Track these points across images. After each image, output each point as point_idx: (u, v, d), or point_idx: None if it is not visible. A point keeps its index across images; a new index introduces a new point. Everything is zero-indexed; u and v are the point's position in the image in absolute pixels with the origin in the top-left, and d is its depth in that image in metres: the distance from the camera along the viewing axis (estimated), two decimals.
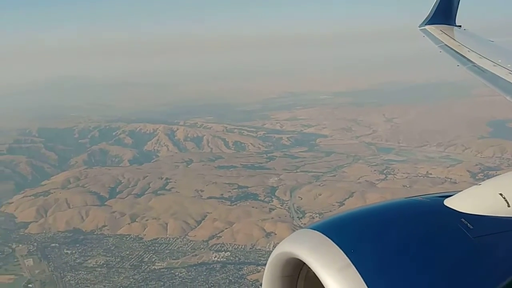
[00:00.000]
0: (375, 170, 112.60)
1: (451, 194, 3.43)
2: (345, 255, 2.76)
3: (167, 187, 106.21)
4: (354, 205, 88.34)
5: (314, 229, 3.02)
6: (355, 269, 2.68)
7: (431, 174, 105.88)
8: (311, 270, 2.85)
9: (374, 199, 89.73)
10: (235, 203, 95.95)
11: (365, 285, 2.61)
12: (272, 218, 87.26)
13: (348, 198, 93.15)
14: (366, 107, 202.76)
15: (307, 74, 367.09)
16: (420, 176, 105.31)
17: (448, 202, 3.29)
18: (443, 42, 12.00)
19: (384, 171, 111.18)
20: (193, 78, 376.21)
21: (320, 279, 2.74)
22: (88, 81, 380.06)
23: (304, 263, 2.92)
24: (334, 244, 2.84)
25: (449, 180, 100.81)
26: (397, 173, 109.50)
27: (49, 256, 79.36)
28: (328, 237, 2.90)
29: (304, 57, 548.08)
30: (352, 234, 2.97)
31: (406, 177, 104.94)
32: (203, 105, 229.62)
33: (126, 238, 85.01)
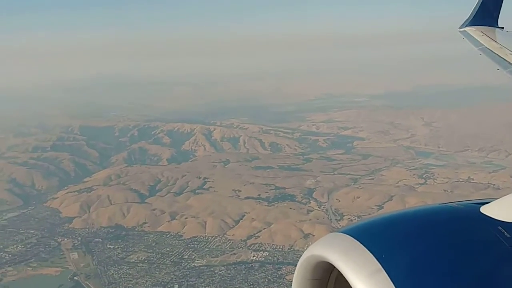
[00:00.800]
0: (414, 174, 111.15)
1: (487, 201, 3.35)
2: (376, 260, 2.73)
3: (205, 186, 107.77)
4: (393, 209, 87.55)
5: (345, 233, 3.01)
6: (386, 274, 2.65)
7: (473, 179, 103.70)
8: (341, 274, 2.84)
9: (414, 203, 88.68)
10: (272, 203, 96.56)
11: None
12: (310, 219, 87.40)
13: (387, 201, 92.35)
14: (404, 110, 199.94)
15: (344, 75, 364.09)
16: (461, 181, 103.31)
17: (484, 210, 3.21)
18: (484, 45, 11.56)
19: (424, 176, 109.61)
20: (229, 78, 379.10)
21: (350, 284, 2.72)
22: (128, 80, 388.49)
23: (334, 267, 2.91)
24: (365, 249, 2.81)
25: (492, 186, 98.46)
26: (437, 177, 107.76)
27: (93, 250, 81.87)
28: (359, 241, 2.88)
29: (340, 58, 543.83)
30: (384, 239, 2.95)
31: (447, 182, 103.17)
32: (239, 106, 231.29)
33: (166, 235, 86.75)
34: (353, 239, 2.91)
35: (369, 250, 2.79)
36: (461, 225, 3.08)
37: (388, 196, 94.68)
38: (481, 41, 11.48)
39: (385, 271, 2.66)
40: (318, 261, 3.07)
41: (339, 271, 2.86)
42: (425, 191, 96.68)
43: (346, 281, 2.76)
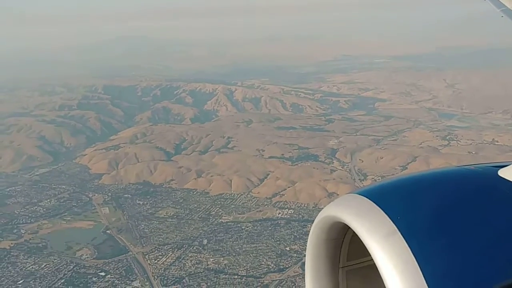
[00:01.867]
0: (437, 136, 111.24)
1: (506, 165, 3.31)
2: (391, 222, 2.74)
3: (229, 146, 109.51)
4: (417, 169, 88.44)
5: (361, 194, 3.02)
6: (401, 235, 2.66)
7: (497, 141, 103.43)
8: (356, 234, 2.86)
9: (438, 164, 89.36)
10: (296, 163, 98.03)
11: (410, 252, 2.59)
12: (334, 179, 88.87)
13: (411, 162, 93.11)
14: (425, 71, 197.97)
15: (362, 37, 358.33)
16: (486, 143, 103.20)
17: (502, 173, 3.18)
18: (506, 6, 10.91)
19: (447, 137, 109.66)
20: (245, 40, 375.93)
21: (365, 244, 2.75)
22: (145, 41, 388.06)
23: (349, 228, 2.94)
24: (381, 210, 2.83)
25: None
26: (460, 139, 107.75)
27: (123, 205, 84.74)
28: (375, 203, 2.89)
29: (358, 19, 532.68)
30: (399, 201, 2.95)
31: (471, 144, 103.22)
32: (257, 67, 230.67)
33: (193, 192, 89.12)
34: (369, 200, 2.94)
35: (384, 212, 2.81)
36: (478, 188, 3.08)
37: (411, 157, 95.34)
38: (503, 2, 10.90)
39: (400, 232, 2.67)
40: (333, 221, 3.11)
41: (354, 231, 2.89)
42: (449, 153, 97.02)
43: (361, 242, 2.80)
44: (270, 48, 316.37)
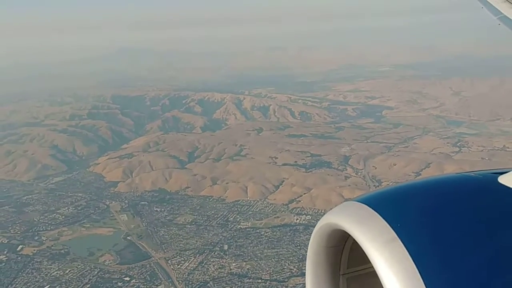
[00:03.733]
0: (447, 143, 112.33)
1: (506, 171, 3.30)
2: (391, 229, 2.73)
3: (242, 153, 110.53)
4: (430, 176, 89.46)
5: (360, 202, 3.02)
6: (401, 242, 2.65)
7: (508, 147, 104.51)
8: (356, 242, 2.86)
9: (452, 170, 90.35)
10: (310, 170, 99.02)
11: (410, 259, 2.58)
12: (349, 185, 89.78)
13: (425, 168, 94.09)
14: (431, 79, 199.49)
15: (364, 46, 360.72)
16: (497, 149, 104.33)
17: (502, 179, 3.16)
18: (503, 13, 10.48)
19: (458, 144, 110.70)
20: (249, 50, 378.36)
21: (365, 252, 2.74)
22: (147, 52, 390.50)
23: (349, 235, 2.93)
24: (380, 217, 2.82)
25: None
26: (471, 146, 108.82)
27: (140, 212, 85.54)
28: (374, 210, 2.89)
29: (359, 29, 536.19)
30: (399, 208, 2.95)
31: (482, 150, 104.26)
32: (263, 75, 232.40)
33: (209, 199, 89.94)
34: (368, 207, 2.93)
35: (384, 219, 2.81)
36: (478, 195, 3.08)
37: (425, 163, 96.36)
38: (500, 9, 10.46)
39: (400, 239, 2.67)
40: (333, 228, 3.11)
41: (354, 239, 2.90)
42: (462, 159, 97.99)
43: (361, 249, 2.79)
44: (273, 57, 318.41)
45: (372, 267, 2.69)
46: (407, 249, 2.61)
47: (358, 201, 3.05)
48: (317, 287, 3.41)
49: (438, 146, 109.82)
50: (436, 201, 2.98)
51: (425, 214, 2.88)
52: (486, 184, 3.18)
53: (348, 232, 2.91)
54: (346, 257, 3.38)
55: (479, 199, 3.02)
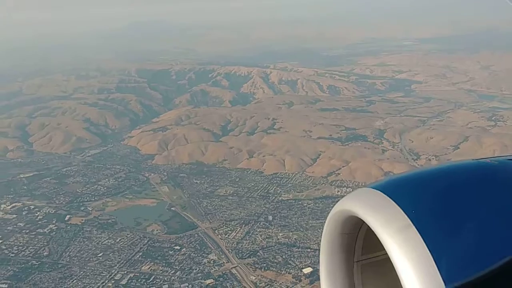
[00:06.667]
0: (482, 117, 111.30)
1: None
2: (405, 215, 2.72)
3: (275, 127, 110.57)
4: (470, 149, 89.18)
5: (375, 188, 3.01)
6: (415, 229, 2.64)
7: None
8: (370, 228, 2.86)
9: (491, 143, 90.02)
10: (346, 143, 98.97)
11: (425, 245, 2.58)
12: (388, 158, 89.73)
13: (463, 142, 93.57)
14: (457, 54, 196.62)
15: (386, 19, 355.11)
16: None
17: None
18: None
19: (493, 118, 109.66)
20: (268, 22, 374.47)
21: (380, 238, 2.74)
22: (164, 26, 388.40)
23: (364, 222, 2.94)
24: (395, 204, 2.82)
25: None
26: (506, 120, 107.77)
27: (181, 184, 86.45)
28: (389, 197, 2.88)
29: (379, 1, 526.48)
30: (414, 194, 2.93)
31: None
32: (285, 50, 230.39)
33: (247, 171, 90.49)
34: (383, 194, 2.92)
35: (398, 205, 2.80)
36: (494, 182, 3.05)
37: (462, 137, 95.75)
38: None
39: (415, 226, 2.66)
40: (347, 215, 3.12)
41: (368, 225, 2.91)
42: (500, 133, 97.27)
43: (376, 236, 2.79)
44: (294, 30, 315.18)
45: (386, 254, 2.69)
46: (421, 235, 2.60)
47: (372, 188, 3.03)
48: (331, 274, 3.43)
49: (473, 120, 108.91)
50: (452, 188, 2.95)
51: (440, 201, 2.86)
52: (504, 171, 3.13)
53: (362, 218, 2.90)
54: (360, 244, 3.39)
55: (494, 187, 2.98)
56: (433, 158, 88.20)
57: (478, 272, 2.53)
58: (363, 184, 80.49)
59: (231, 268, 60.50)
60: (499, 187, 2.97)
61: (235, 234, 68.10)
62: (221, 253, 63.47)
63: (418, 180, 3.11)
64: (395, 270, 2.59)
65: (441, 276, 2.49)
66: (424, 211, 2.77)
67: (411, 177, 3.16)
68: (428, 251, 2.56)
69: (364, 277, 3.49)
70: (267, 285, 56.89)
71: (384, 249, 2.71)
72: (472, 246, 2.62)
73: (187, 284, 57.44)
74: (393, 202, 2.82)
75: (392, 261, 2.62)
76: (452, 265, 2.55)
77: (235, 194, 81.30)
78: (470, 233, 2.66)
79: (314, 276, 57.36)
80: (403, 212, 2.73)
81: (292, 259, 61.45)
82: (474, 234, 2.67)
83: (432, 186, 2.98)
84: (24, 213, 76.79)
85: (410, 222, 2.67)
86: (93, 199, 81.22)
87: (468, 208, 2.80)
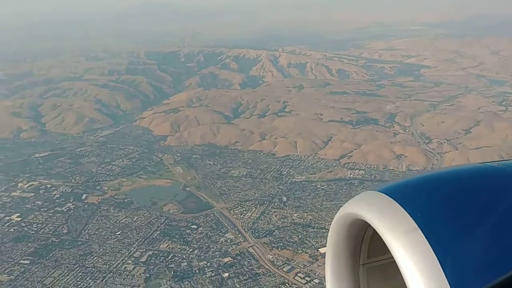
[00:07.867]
0: (492, 101, 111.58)
1: None
2: (411, 219, 2.71)
3: (286, 110, 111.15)
4: (482, 133, 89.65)
5: (381, 192, 3.01)
6: (421, 233, 2.63)
7: None
8: (376, 232, 2.84)
9: (503, 128, 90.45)
10: (357, 126, 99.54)
11: (431, 249, 2.57)
12: (399, 142, 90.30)
13: (474, 126, 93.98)
14: (466, 39, 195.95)
15: (392, 4, 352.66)
16: None
17: None
18: None
19: (503, 103, 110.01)
20: (274, 5, 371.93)
21: (385, 241, 2.73)
22: (169, 8, 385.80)
23: (369, 225, 2.93)
24: (401, 207, 2.81)
25: None
26: None
27: (194, 165, 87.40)
28: (395, 200, 2.87)
29: None
30: (420, 198, 2.92)
31: None
32: (292, 33, 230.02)
33: (260, 153, 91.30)
34: (389, 197, 2.92)
35: (404, 209, 2.79)
36: (501, 186, 3.02)
37: (474, 121, 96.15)
38: None
39: (421, 229, 2.65)
40: (353, 218, 3.12)
41: (374, 229, 2.89)
42: (511, 117, 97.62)
43: (381, 239, 2.78)
44: (299, 13, 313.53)
45: (392, 257, 2.70)
46: (427, 239, 2.60)
47: (378, 191, 3.05)
48: (337, 276, 3.45)
49: (483, 105, 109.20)
50: (458, 192, 2.95)
51: (446, 205, 2.86)
52: (509, 176, 3.11)
53: (368, 222, 2.92)
54: (366, 247, 3.41)
55: (502, 191, 2.96)
56: (444, 142, 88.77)
57: (484, 276, 2.54)
58: (375, 167, 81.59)
59: (248, 247, 61.63)
60: (507, 192, 2.95)
61: (250, 214, 69.10)
62: (237, 232, 64.53)
63: (424, 184, 3.13)
64: (400, 274, 2.60)
65: (447, 279, 2.50)
66: (430, 215, 2.78)
67: (417, 181, 3.19)
68: (434, 255, 2.57)
69: (369, 280, 3.51)
70: (284, 263, 58.05)
71: (389, 252, 2.72)
72: (478, 251, 2.63)
73: (205, 262, 58.69)
74: (399, 205, 2.83)
75: (398, 265, 2.63)
76: (458, 268, 2.55)
77: (248, 176, 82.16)
78: (477, 238, 2.67)
79: None
80: (409, 216, 2.74)
81: (308, 239, 62.46)
82: (479, 238, 2.68)
83: (438, 190, 3.00)
84: (41, 191, 77.92)
85: (416, 226, 2.68)
86: (108, 179, 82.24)
87: (474, 212, 2.80)
